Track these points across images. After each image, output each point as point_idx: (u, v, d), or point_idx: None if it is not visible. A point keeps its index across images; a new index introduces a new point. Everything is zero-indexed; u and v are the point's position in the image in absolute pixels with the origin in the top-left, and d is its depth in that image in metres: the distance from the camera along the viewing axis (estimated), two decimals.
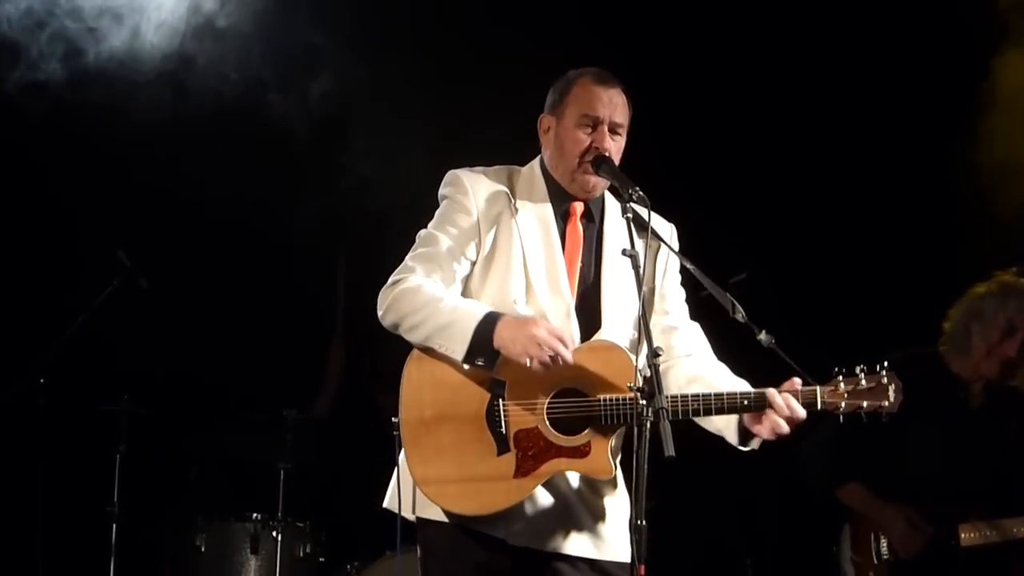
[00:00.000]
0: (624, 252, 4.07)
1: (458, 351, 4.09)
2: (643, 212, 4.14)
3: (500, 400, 4.14)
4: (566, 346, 4.06)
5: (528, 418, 4.13)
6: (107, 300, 6.76)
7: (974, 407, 5.98)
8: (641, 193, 4.12)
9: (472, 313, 4.10)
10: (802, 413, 4.13)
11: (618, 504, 4.30)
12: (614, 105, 4.31)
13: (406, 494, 4.22)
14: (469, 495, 4.13)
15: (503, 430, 4.14)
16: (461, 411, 4.15)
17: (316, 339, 7.54)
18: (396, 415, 4.17)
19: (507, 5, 7.46)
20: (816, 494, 6.15)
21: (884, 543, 5.92)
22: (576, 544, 4.22)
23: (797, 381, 4.16)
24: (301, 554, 6.86)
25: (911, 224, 7.46)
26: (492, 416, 4.14)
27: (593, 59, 4.46)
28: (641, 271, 4.03)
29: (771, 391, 4.12)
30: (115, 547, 6.68)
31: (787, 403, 4.10)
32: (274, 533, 6.76)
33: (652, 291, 4.40)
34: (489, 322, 4.08)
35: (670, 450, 3.72)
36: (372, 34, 7.32)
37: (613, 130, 4.31)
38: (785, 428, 4.12)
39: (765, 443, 4.28)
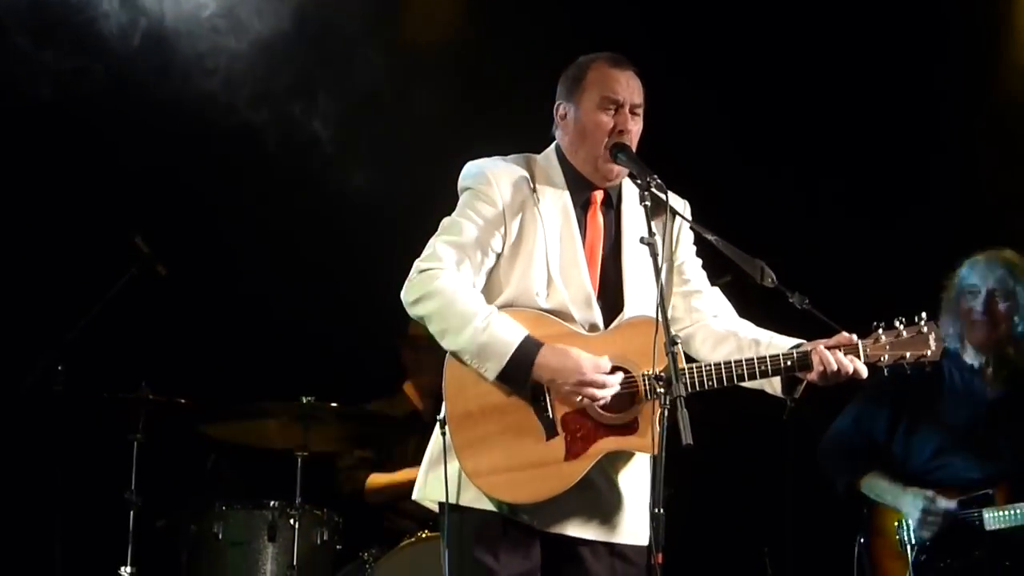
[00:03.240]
0: (642, 240, 4.07)
1: (490, 371, 4.10)
2: (660, 194, 4.15)
3: (544, 385, 4.13)
4: (608, 385, 4.10)
5: (574, 400, 4.12)
6: (125, 287, 6.75)
7: (989, 395, 5.96)
8: (659, 181, 4.13)
9: (507, 340, 4.09)
10: (849, 368, 4.12)
11: (640, 487, 4.30)
12: (632, 87, 4.33)
13: (438, 482, 4.22)
14: (521, 483, 4.13)
15: (550, 414, 4.14)
16: (506, 400, 4.15)
17: (334, 327, 7.53)
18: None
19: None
20: (837, 487, 6.14)
21: (908, 531, 5.91)
22: (599, 528, 4.24)
23: (845, 334, 4.17)
24: (319, 541, 6.85)
25: (920, 218, 7.45)
26: (537, 402, 4.14)
27: (611, 44, 4.46)
28: (660, 259, 4.03)
29: (820, 350, 4.11)
30: (132, 534, 6.68)
31: (836, 360, 4.10)
32: (292, 520, 6.74)
33: (670, 267, 4.40)
34: (527, 351, 4.08)
35: (688, 438, 3.72)
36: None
37: (632, 111, 4.31)
38: (832, 381, 4.13)
39: (781, 432, 4.30)
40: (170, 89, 6.99)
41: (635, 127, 4.33)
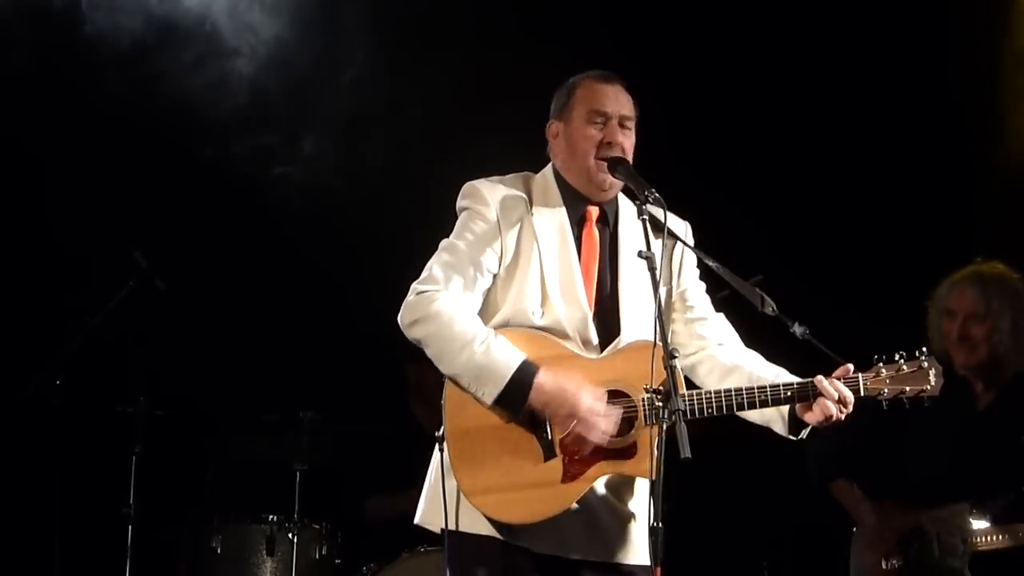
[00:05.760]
0: (640, 254, 4.07)
1: (487, 396, 4.08)
2: (659, 213, 4.13)
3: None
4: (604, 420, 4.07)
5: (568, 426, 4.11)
6: (124, 301, 6.75)
7: (980, 407, 5.94)
8: (657, 195, 4.12)
9: (505, 363, 4.08)
10: (851, 396, 4.13)
11: (640, 506, 4.28)
12: (620, 100, 4.35)
13: (439, 506, 4.21)
14: (517, 503, 4.12)
15: (548, 435, 4.12)
16: (505, 420, 4.13)
17: (332, 341, 7.53)
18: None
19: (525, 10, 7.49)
20: (815, 488, 6.14)
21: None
22: (599, 549, 4.22)
23: (849, 366, 4.17)
24: (317, 556, 6.86)
25: (925, 224, 7.43)
26: (536, 423, 4.12)
27: (607, 60, 4.47)
28: (658, 272, 4.02)
29: (819, 379, 4.13)
30: (131, 548, 6.68)
31: (834, 387, 4.11)
32: (290, 535, 6.75)
33: (670, 291, 4.41)
34: (524, 375, 4.07)
35: (686, 452, 3.72)
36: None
37: (622, 124, 4.33)
38: (834, 411, 4.12)
39: (782, 445, 4.28)
40: (169, 104, 7.00)
41: (626, 140, 4.33)
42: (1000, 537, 5.71)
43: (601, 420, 4.06)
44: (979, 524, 5.72)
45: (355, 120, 7.24)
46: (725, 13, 7.66)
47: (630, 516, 4.26)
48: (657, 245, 4.10)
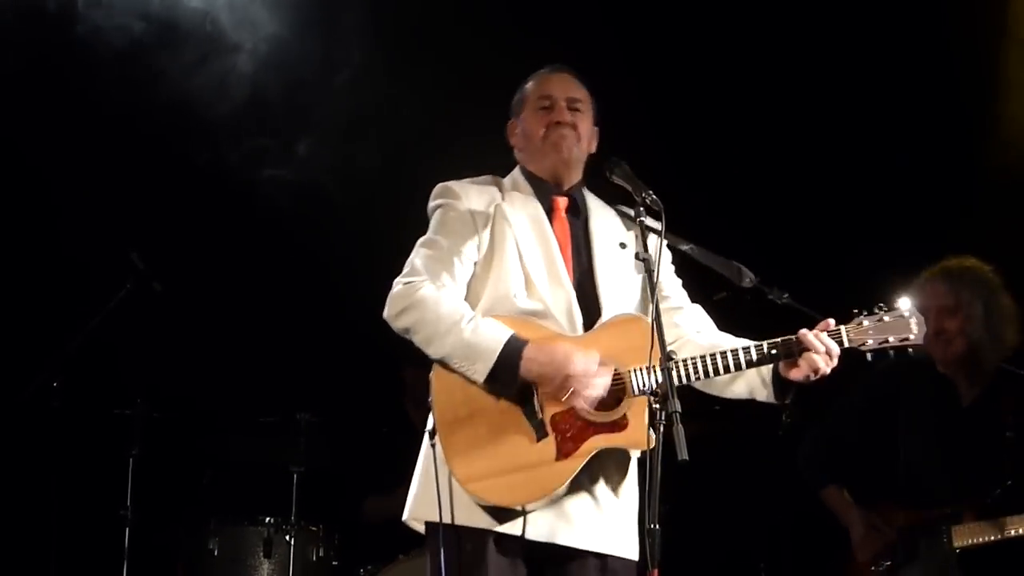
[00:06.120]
0: (637, 256, 4.15)
1: (478, 373, 4.12)
2: (655, 210, 4.16)
3: (532, 386, 4.15)
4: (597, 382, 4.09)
5: (563, 397, 4.13)
6: (121, 303, 6.75)
7: (964, 405, 5.94)
8: (654, 196, 4.16)
9: (494, 338, 4.12)
10: (836, 348, 4.15)
11: (630, 501, 4.32)
12: (566, 85, 4.50)
13: (431, 500, 4.20)
14: (515, 486, 4.14)
15: (539, 415, 4.15)
16: (494, 404, 4.17)
17: (330, 343, 7.53)
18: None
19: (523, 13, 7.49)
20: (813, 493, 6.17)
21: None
22: (589, 538, 4.23)
23: (831, 321, 4.20)
24: (314, 558, 6.86)
25: (923, 220, 7.43)
26: (526, 403, 4.16)
27: (605, 61, 4.48)
28: (655, 276, 4.07)
29: (803, 332, 4.16)
30: (128, 550, 6.68)
31: (820, 340, 4.13)
32: (287, 537, 6.76)
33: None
34: (514, 349, 4.11)
35: (683, 454, 3.73)
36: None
37: (572, 107, 4.47)
38: (821, 365, 4.14)
39: (778, 447, 4.29)
40: (167, 105, 6.99)
41: (579, 121, 4.46)
42: (989, 534, 5.71)
43: (595, 380, 4.10)
44: (968, 520, 5.73)
45: (352, 121, 7.24)
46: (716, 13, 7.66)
47: (619, 510, 4.28)
48: (630, 237, 4.22)
